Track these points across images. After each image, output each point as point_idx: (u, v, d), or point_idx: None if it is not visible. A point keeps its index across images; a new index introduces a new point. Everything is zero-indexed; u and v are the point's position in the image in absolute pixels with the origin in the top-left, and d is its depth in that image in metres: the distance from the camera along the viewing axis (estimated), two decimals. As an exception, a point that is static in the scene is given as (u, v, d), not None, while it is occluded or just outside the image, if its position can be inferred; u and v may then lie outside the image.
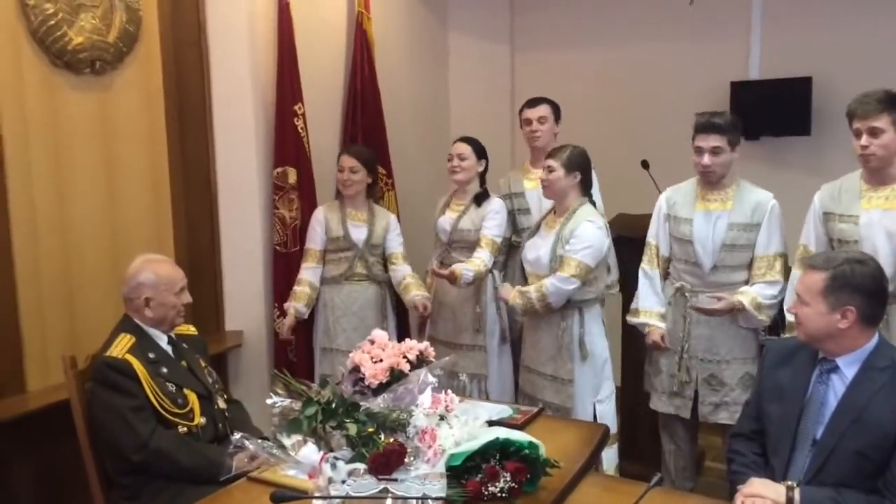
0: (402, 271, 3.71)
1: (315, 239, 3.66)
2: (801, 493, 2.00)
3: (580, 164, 3.17)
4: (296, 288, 3.63)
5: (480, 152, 3.65)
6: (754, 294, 2.94)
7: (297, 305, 3.59)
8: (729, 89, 4.50)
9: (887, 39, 4.16)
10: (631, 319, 3.23)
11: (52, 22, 2.88)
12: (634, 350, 3.65)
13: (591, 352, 3.17)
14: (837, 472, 2.03)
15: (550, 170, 3.16)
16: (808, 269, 2.15)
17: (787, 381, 2.19)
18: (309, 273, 3.66)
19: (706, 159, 2.97)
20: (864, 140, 2.63)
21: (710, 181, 3.03)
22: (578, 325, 3.16)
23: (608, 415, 3.22)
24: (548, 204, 3.41)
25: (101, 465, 2.47)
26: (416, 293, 3.62)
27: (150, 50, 3.30)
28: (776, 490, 2.01)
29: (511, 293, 3.22)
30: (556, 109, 3.77)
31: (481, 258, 3.51)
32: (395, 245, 3.76)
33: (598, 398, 3.21)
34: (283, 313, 3.69)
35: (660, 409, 3.21)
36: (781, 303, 2.96)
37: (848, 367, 2.09)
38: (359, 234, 3.66)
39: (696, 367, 3.08)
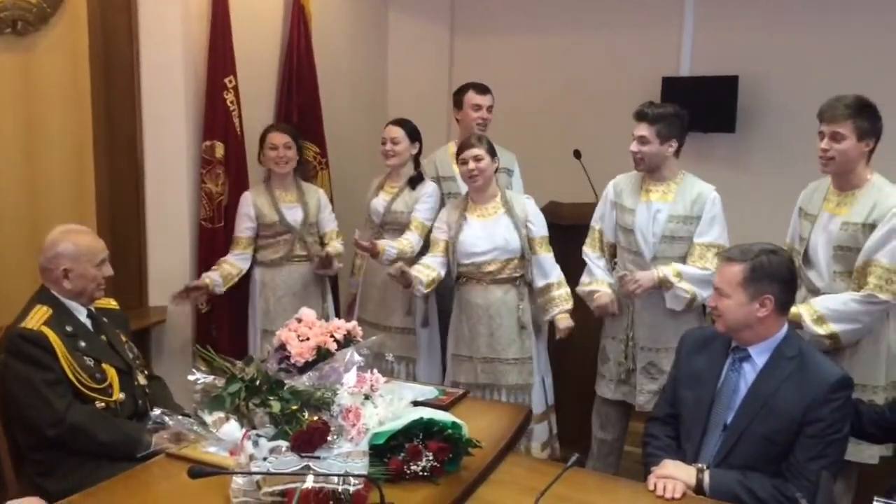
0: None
1: (243, 227, 3.59)
2: (710, 475, 2.10)
3: (495, 151, 3.28)
4: (220, 263, 3.56)
5: (413, 134, 3.63)
6: (676, 265, 3.00)
7: (213, 276, 3.50)
8: (661, 84, 4.60)
9: (813, 43, 4.31)
10: (580, 289, 3.25)
11: (-29, -23, 2.75)
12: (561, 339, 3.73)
13: (540, 327, 3.34)
14: (745, 456, 2.13)
15: (478, 158, 3.20)
16: (724, 261, 2.22)
17: (702, 368, 2.27)
18: (236, 258, 3.59)
19: (633, 146, 3.05)
20: (825, 143, 2.68)
21: (638, 168, 3.10)
22: (530, 302, 3.30)
23: (551, 389, 3.39)
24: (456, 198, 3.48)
25: (13, 441, 2.40)
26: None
27: (77, 11, 3.18)
28: (687, 472, 2.09)
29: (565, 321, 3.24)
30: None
31: (409, 240, 3.51)
32: (329, 223, 3.75)
33: (546, 371, 3.40)
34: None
35: (606, 396, 3.25)
36: None
37: (759, 356, 2.18)
38: (294, 215, 3.62)
39: (638, 354, 3.14)
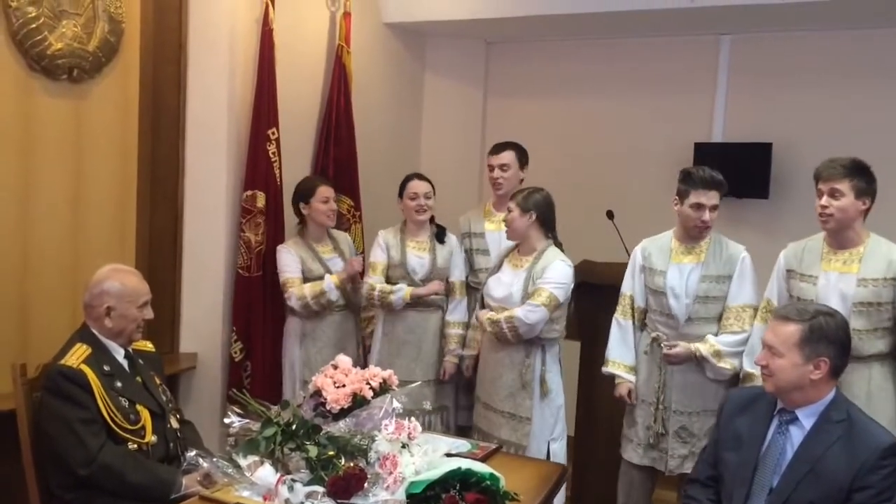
0: None
1: (295, 268, 3.56)
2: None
3: (536, 205, 3.25)
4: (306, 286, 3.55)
5: (433, 188, 3.69)
6: (713, 342, 2.97)
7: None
8: (693, 149, 4.63)
9: (845, 111, 4.35)
10: (603, 369, 3.23)
11: (33, 25, 2.86)
12: (588, 398, 3.68)
13: (550, 389, 3.23)
14: (791, 522, 2.06)
15: (508, 210, 3.29)
16: (779, 320, 2.18)
17: (745, 430, 2.23)
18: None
19: (707, 215, 2.98)
20: (825, 200, 2.72)
21: (702, 237, 3.05)
22: (541, 362, 3.22)
23: (560, 454, 3.26)
24: (507, 245, 3.46)
25: (43, 480, 2.38)
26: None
27: (130, 62, 3.29)
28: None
29: (483, 317, 3.25)
30: (521, 155, 3.77)
31: (457, 328, 3.66)
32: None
33: (553, 437, 3.25)
34: (241, 338, 3.67)
35: (634, 461, 3.16)
36: None
37: (806, 419, 2.14)
38: (336, 266, 3.64)
39: (669, 418, 3.07)
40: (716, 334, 3.01)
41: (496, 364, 3.27)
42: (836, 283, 2.74)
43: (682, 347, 2.98)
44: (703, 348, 2.96)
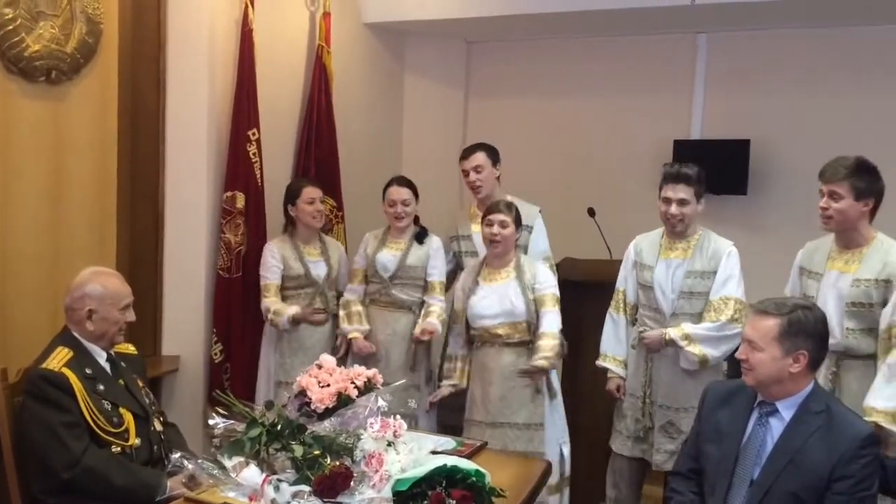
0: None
1: (274, 273, 3.58)
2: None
3: (521, 221, 3.30)
4: (276, 308, 3.54)
5: (416, 193, 3.66)
6: (684, 326, 3.01)
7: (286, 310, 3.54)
8: (672, 146, 4.68)
9: (823, 107, 4.42)
10: (597, 361, 3.28)
11: (10, 27, 2.82)
12: (574, 392, 3.70)
13: (556, 391, 3.28)
14: (772, 513, 2.09)
15: (504, 225, 3.21)
16: (758, 314, 2.19)
17: (725, 422, 2.25)
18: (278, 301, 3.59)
19: (673, 209, 3.04)
20: (824, 202, 2.75)
21: (676, 231, 3.10)
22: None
23: (568, 457, 3.31)
24: (472, 264, 3.46)
25: (25, 486, 2.36)
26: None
27: (108, 63, 3.25)
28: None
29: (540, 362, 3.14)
30: (491, 153, 3.67)
31: (439, 306, 3.57)
32: (343, 278, 3.79)
33: (563, 440, 3.31)
34: (221, 340, 3.66)
35: (623, 454, 3.20)
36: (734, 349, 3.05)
37: (786, 411, 2.16)
38: (318, 269, 3.64)
39: (656, 412, 3.11)
40: None
41: (504, 379, 3.21)
42: (836, 282, 2.78)
43: (655, 332, 3.03)
44: (672, 332, 3.00)
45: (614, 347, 3.23)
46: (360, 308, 3.65)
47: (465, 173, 3.68)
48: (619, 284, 3.27)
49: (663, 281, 3.08)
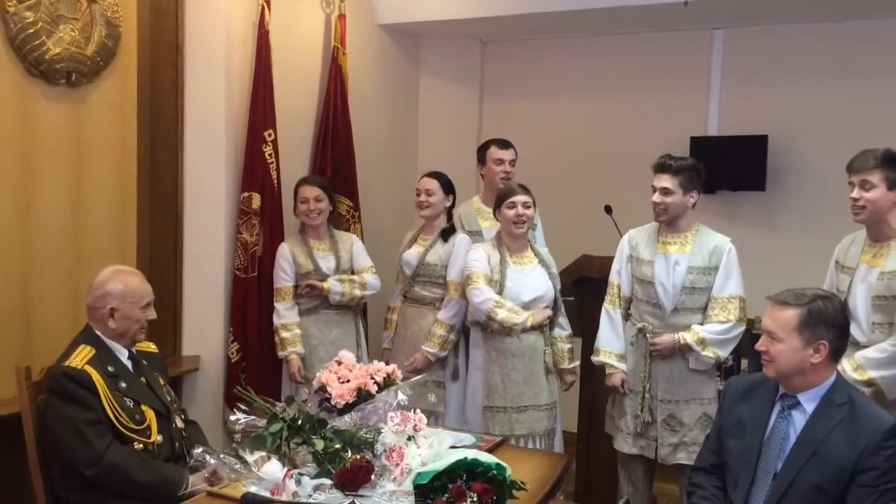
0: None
1: (285, 276, 3.62)
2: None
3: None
4: (284, 334, 3.58)
5: (447, 187, 3.69)
6: (698, 330, 3.01)
7: (297, 350, 3.57)
8: (689, 143, 4.65)
9: (840, 103, 4.37)
10: (593, 358, 3.27)
11: (31, 30, 2.86)
12: (591, 393, 3.69)
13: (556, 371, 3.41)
14: (795, 505, 2.07)
15: (527, 205, 3.32)
16: (777, 305, 2.18)
17: (747, 416, 2.24)
18: (290, 313, 3.61)
19: (656, 197, 3.08)
20: (856, 192, 2.72)
21: (660, 220, 3.12)
22: (549, 346, 3.38)
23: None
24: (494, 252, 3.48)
25: (49, 483, 2.38)
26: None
27: (127, 66, 3.30)
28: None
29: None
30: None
31: (446, 318, 3.59)
32: (362, 261, 3.77)
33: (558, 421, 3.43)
34: (237, 339, 3.68)
35: (624, 450, 3.19)
36: (738, 346, 3.04)
37: (808, 403, 2.15)
38: (327, 264, 3.66)
39: (657, 407, 3.11)
40: (701, 324, 3.05)
41: (525, 365, 3.32)
42: (865, 276, 2.75)
43: (667, 337, 3.03)
44: (687, 336, 3.01)
45: (613, 343, 3.21)
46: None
47: (500, 162, 3.88)
48: (613, 278, 3.25)
49: (664, 277, 3.07)
